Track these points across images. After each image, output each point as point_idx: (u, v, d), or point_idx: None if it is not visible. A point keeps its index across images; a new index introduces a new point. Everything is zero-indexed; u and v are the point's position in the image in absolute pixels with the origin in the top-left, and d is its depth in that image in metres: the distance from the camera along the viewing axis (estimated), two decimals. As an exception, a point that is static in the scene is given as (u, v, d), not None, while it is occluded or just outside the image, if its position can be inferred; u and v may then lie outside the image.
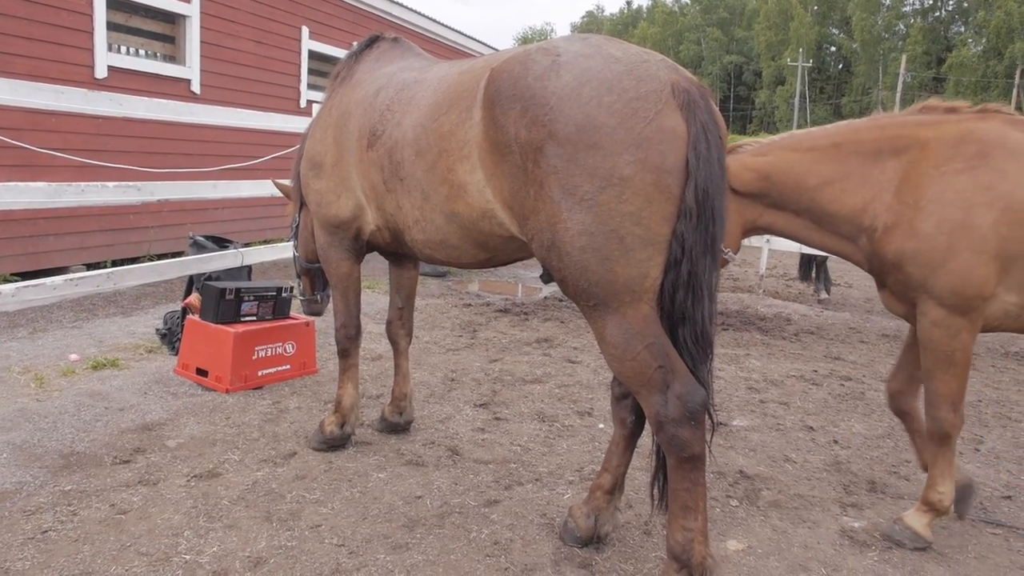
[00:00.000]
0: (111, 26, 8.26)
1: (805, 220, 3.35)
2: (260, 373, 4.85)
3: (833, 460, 4.16)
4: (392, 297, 4.20)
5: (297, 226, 4.37)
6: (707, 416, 2.53)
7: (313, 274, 4.50)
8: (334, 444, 3.87)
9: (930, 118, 3.17)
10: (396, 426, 4.16)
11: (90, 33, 7.92)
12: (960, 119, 3.11)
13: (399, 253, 3.82)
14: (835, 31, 73.49)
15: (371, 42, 3.96)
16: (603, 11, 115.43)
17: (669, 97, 2.39)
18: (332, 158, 3.60)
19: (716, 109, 2.50)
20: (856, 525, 3.37)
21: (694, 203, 2.37)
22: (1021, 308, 3.03)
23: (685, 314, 2.48)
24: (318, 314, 4.68)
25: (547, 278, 2.93)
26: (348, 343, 3.90)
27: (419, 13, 14.11)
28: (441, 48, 15.02)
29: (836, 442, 4.45)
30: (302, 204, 4.26)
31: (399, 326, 4.19)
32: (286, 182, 4.67)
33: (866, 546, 3.20)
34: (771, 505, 3.55)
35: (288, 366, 5.05)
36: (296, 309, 5.16)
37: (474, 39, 16.61)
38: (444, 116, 2.86)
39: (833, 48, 74.69)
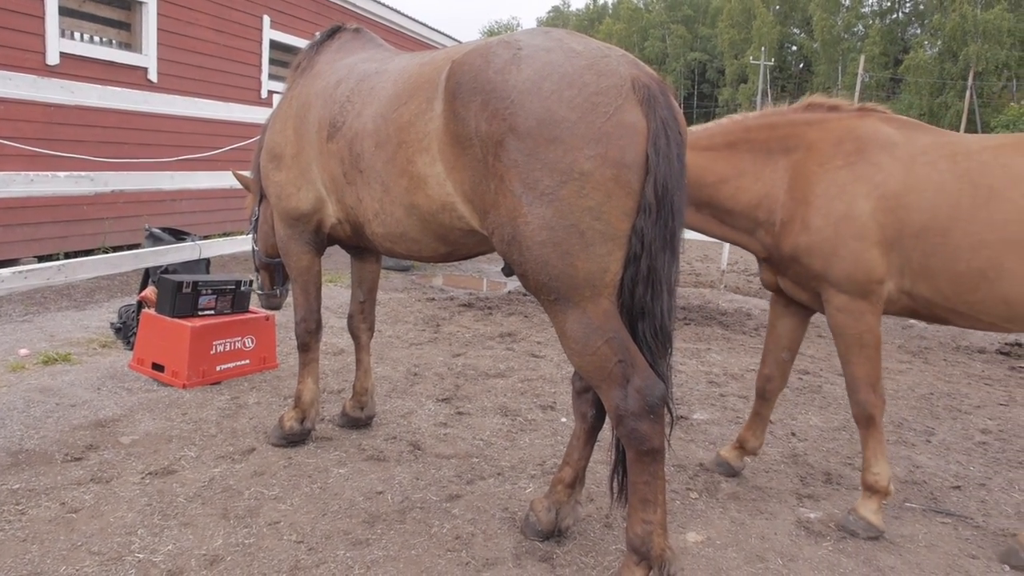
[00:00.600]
0: (64, 11, 8.02)
1: (706, 215, 3.57)
2: (218, 368, 4.77)
3: (791, 452, 4.23)
4: (354, 291, 4.15)
5: (256, 219, 4.29)
6: (666, 410, 2.55)
7: (273, 268, 4.43)
8: (294, 440, 3.82)
9: (815, 116, 3.42)
10: (357, 421, 4.12)
11: (41, 18, 7.68)
12: (841, 117, 3.37)
13: (360, 247, 3.78)
14: (796, 31, 74.60)
15: (332, 33, 3.90)
16: (569, 6, 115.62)
17: (629, 92, 2.40)
18: (292, 150, 3.54)
19: (676, 105, 2.51)
20: (812, 516, 3.44)
21: (653, 199, 2.38)
22: (899, 292, 3.22)
23: (645, 309, 2.49)
24: (276, 308, 4.62)
25: (509, 271, 2.92)
26: (308, 337, 3.86)
27: (383, 4, 13.97)
28: (405, 40, 14.89)
29: (794, 434, 4.52)
30: (262, 197, 4.18)
31: (360, 320, 4.15)
32: (247, 173, 4.58)
33: (821, 536, 3.26)
34: (730, 497, 3.59)
35: (247, 361, 4.97)
36: (255, 303, 5.07)
37: (438, 31, 16.50)
38: (404, 107, 2.83)
39: (794, 47, 75.84)
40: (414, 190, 2.82)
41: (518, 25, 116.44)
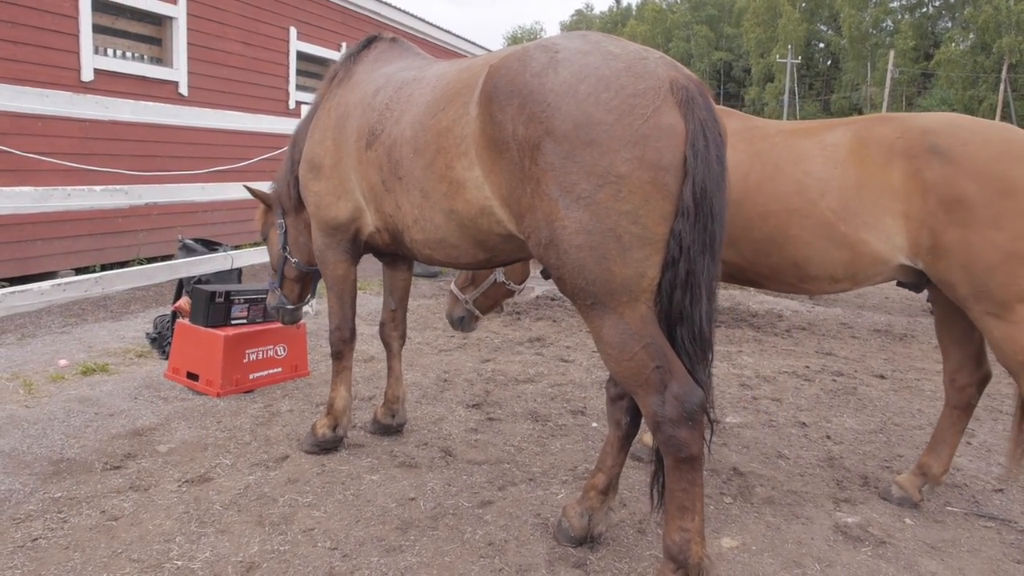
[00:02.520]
0: (97, 28, 8.21)
1: None
2: (251, 376, 4.83)
3: (826, 456, 4.16)
4: (385, 299, 4.17)
5: (285, 231, 4.29)
6: (705, 416, 2.51)
7: (307, 280, 4.43)
8: (326, 447, 3.84)
9: None
10: (389, 428, 4.14)
11: (76, 36, 7.87)
12: None
13: (395, 254, 3.80)
14: (823, 27, 73.75)
15: (368, 43, 3.91)
16: (592, 9, 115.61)
17: (667, 94, 2.37)
18: (331, 160, 3.56)
19: (715, 106, 2.48)
20: (850, 520, 3.38)
21: (691, 201, 2.35)
22: None
23: (683, 313, 2.46)
24: (295, 321, 4.60)
25: (547, 274, 2.92)
26: (343, 345, 3.86)
27: (408, 13, 14.08)
28: (430, 48, 14.99)
29: (829, 438, 4.46)
30: (287, 208, 4.21)
31: (392, 328, 4.16)
32: (259, 185, 4.58)
33: (860, 541, 3.21)
34: (765, 502, 3.55)
35: (279, 369, 5.03)
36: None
37: (463, 39, 16.59)
38: (442, 112, 2.83)
39: (821, 44, 74.97)
40: (453, 195, 2.83)
41: (542, 30, 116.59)
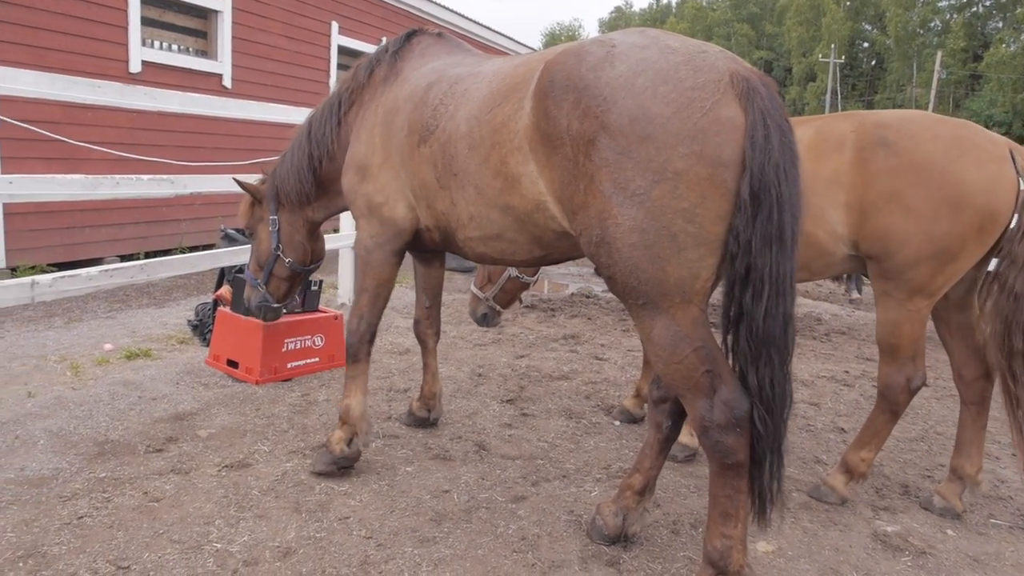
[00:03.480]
0: (145, 21, 8.37)
1: None
2: (289, 365, 4.90)
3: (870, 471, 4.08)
4: (419, 296, 4.17)
5: (279, 229, 4.08)
6: (754, 422, 2.42)
7: (297, 280, 4.28)
8: (343, 465, 3.52)
9: None
10: (424, 421, 4.17)
11: (124, 28, 8.05)
12: None
13: (435, 252, 3.79)
14: (868, 27, 72.30)
15: (409, 37, 3.81)
16: (631, 6, 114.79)
17: (727, 87, 2.30)
18: (379, 159, 3.46)
19: (779, 97, 2.39)
20: (889, 529, 3.32)
21: (748, 195, 2.26)
22: None
23: (743, 311, 2.38)
24: (276, 318, 4.43)
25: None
26: (363, 347, 3.61)
27: (448, 8, 14.13)
28: (470, 44, 15.01)
29: (868, 444, 4.37)
30: (286, 203, 4.05)
31: (427, 325, 4.16)
32: (248, 178, 4.39)
33: (899, 551, 3.15)
34: (801, 507, 3.50)
35: (317, 359, 5.09)
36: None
37: (502, 34, 16.60)
38: (498, 108, 2.80)
39: (866, 44, 73.51)
40: (508, 191, 2.79)
41: (580, 27, 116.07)
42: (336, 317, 5.22)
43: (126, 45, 8.09)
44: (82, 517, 3.00)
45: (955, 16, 62.68)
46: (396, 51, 3.73)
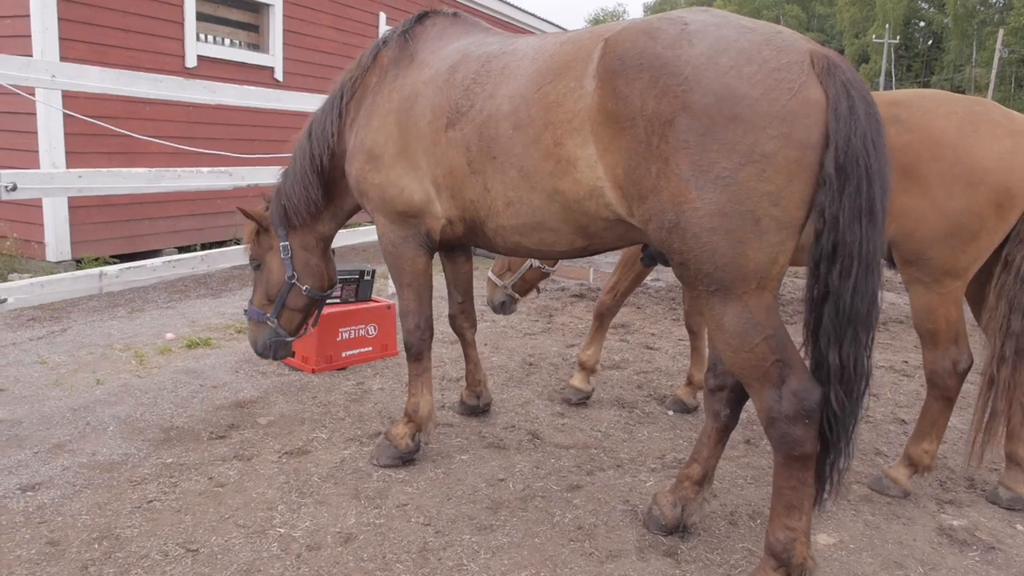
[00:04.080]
0: (200, 16, 8.55)
1: None
2: (344, 354, 4.98)
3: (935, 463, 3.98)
4: (451, 292, 4.09)
5: (292, 255, 3.81)
6: (831, 404, 2.38)
7: (314, 307, 4.00)
8: (407, 458, 3.55)
9: None
10: (475, 408, 4.20)
11: (181, 23, 8.22)
12: None
13: (461, 246, 3.70)
14: (924, 5, 69.85)
15: (420, 19, 3.61)
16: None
17: (810, 68, 2.26)
18: (395, 147, 3.28)
19: (858, 74, 2.36)
20: (955, 523, 3.23)
21: (833, 169, 2.22)
22: None
23: (829, 288, 2.33)
24: (285, 356, 4.02)
25: (650, 260, 2.83)
26: (423, 345, 3.57)
27: (494, -4, 14.08)
28: (514, 31, 14.97)
29: (931, 436, 4.26)
30: (297, 222, 3.80)
31: (463, 320, 4.10)
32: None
33: (966, 545, 3.07)
34: (862, 500, 3.43)
35: (370, 348, 5.16)
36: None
37: (547, 21, 16.49)
38: (549, 85, 2.67)
39: (922, 23, 71.05)
40: (560, 174, 2.67)
41: (624, 12, 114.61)
42: (389, 307, 5.28)
43: (182, 40, 8.28)
44: (151, 501, 3.11)
45: (1018, -9, 60.10)
46: (405, 31, 3.54)
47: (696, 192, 2.28)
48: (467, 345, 4.17)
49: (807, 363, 2.44)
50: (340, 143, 3.62)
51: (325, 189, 3.74)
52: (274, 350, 3.90)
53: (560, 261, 4.61)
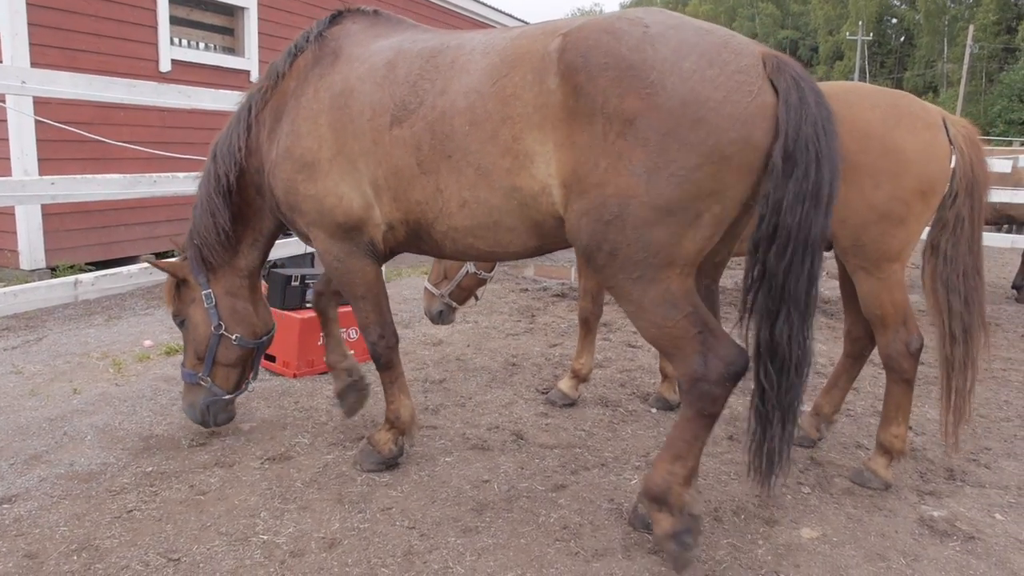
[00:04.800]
0: (174, 20, 8.46)
1: None
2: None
3: (908, 447, 4.02)
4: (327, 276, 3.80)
5: (216, 303, 3.59)
6: (759, 379, 2.53)
7: (250, 357, 3.74)
8: (392, 463, 3.50)
9: None
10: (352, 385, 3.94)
11: (154, 28, 8.14)
12: None
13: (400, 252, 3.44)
14: (897, 2, 70.71)
15: (335, 19, 3.42)
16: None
17: (763, 69, 2.36)
18: (329, 151, 3.07)
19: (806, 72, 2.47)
20: (936, 514, 3.27)
21: (781, 157, 2.31)
22: None
23: (767, 268, 2.43)
24: (231, 419, 3.77)
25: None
26: (391, 353, 3.42)
27: (471, -3, 14.06)
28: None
29: (910, 428, 4.29)
30: (216, 264, 3.59)
31: (331, 297, 3.88)
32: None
33: (947, 536, 3.10)
34: (844, 492, 3.46)
35: (352, 352, 5.11)
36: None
37: (524, 21, 16.49)
38: (505, 79, 2.64)
39: (894, 20, 71.93)
40: (518, 170, 2.64)
41: (600, 10, 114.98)
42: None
43: (156, 44, 8.19)
44: (131, 511, 3.07)
45: (987, -12, 60.98)
46: (322, 33, 3.35)
47: (645, 188, 2.35)
48: (329, 323, 3.96)
49: (740, 340, 2.57)
50: (253, 159, 3.43)
51: (238, 213, 3.53)
52: (213, 414, 3.64)
53: (497, 265, 4.60)
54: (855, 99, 3.33)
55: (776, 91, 2.35)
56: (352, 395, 3.90)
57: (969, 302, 3.38)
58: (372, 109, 2.97)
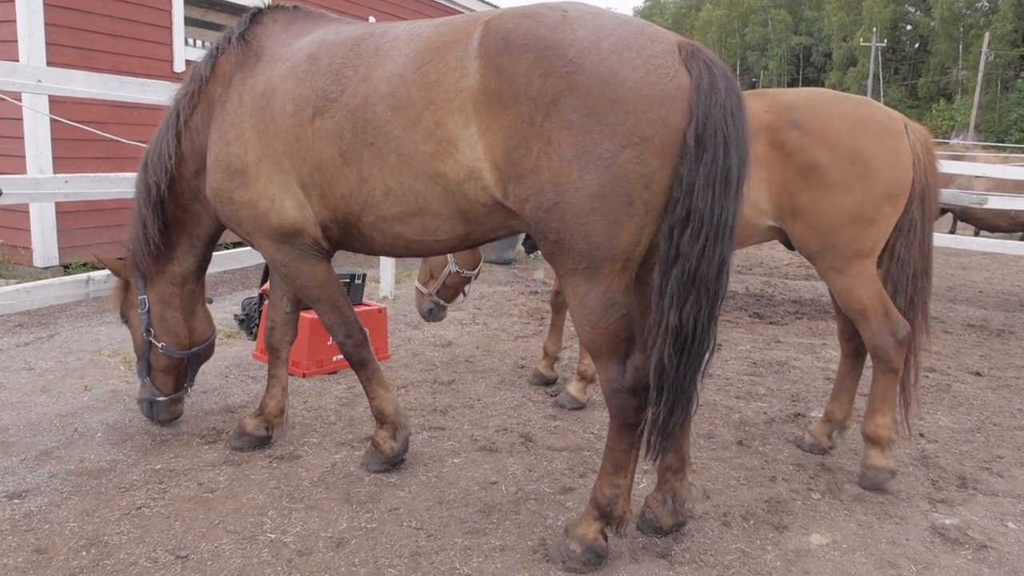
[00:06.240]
0: (188, 21, 8.51)
1: None
2: (335, 358, 4.95)
3: (919, 454, 4.00)
4: (275, 302, 3.73)
5: (149, 308, 3.58)
6: (662, 360, 2.48)
7: (185, 363, 3.73)
8: (396, 460, 3.46)
9: None
10: (263, 440, 3.69)
11: (169, 28, 8.19)
12: None
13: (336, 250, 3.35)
14: (911, 9, 70.39)
15: (256, 18, 3.37)
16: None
17: (679, 55, 2.42)
18: (255, 153, 3.03)
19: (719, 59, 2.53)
20: (947, 522, 3.24)
21: (693, 140, 2.34)
22: None
23: (680, 252, 2.41)
24: (174, 417, 3.80)
25: (533, 247, 2.91)
26: (362, 350, 3.37)
27: (486, 1, 14.09)
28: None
29: (923, 435, 4.27)
30: (148, 271, 3.58)
31: (283, 333, 3.72)
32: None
33: (959, 544, 3.07)
34: (855, 499, 3.43)
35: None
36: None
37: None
38: (429, 64, 2.63)
39: (909, 27, 71.60)
40: (442, 156, 2.62)
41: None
42: (380, 311, 5.26)
43: (170, 45, 8.24)
44: (140, 507, 3.08)
45: (1003, -5, 60.67)
46: (243, 33, 3.29)
47: (578, 172, 2.37)
48: (279, 363, 3.70)
49: (649, 321, 2.56)
50: (186, 165, 3.39)
51: (173, 220, 3.50)
52: (156, 413, 3.68)
53: (481, 264, 4.69)
54: (823, 108, 3.45)
55: (690, 74, 2.40)
56: (245, 441, 3.66)
57: (914, 302, 3.54)
58: (294, 104, 2.94)
